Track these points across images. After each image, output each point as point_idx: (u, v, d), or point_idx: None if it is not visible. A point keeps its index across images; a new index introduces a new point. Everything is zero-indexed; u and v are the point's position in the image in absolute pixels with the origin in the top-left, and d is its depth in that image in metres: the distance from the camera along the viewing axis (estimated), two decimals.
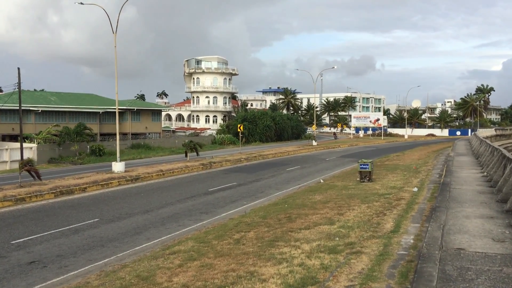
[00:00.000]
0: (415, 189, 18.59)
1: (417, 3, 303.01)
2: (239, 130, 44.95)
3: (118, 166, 26.90)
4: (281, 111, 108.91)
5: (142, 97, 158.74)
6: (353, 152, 51.60)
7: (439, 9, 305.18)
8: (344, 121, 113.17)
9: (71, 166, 38.76)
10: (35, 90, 61.78)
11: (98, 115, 59.03)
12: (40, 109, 52.62)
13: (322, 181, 26.19)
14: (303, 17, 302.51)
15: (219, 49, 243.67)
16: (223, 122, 76.38)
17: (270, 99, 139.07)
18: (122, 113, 61.81)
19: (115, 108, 61.70)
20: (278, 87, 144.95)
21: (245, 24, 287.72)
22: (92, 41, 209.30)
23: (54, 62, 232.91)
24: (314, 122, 67.93)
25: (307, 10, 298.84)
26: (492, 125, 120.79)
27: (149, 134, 65.80)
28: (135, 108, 61.21)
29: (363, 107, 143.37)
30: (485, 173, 16.93)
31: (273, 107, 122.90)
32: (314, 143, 59.94)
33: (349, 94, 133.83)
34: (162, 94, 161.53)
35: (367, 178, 22.01)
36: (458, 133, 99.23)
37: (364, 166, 21.85)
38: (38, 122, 53.03)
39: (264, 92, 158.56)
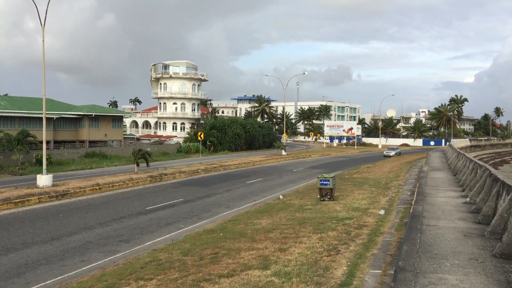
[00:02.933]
0: (382, 211, 15.51)
1: (393, 15, 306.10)
2: (199, 138, 41.48)
3: (43, 180, 23.06)
4: (255, 119, 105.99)
5: (114, 103, 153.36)
6: (323, 162, 48.75)
7: (415, 22, 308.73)
8: (319, 130, 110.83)
9: (8, 177, 34.55)
10: None
11: (52, 121, 54.57)
12: None
13: (281, 197, 23.07)
14: (282, 27, 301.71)
15: (197, 56, 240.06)
16: (191, 129, 72.68)
17: (245, 107, 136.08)
18: (79, 119, 57.67)
19: (71, 114, 57.83)
20: (253, 95, 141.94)
21: (224, 32, 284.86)
22: (69, 48, 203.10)
23: (30, 68, 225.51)
24: (284, 131, 64.95)
25: (285, 20, 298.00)
26: (465, 135, 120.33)
27: (110, 141, 61.60)
28: (93, 114, 57.00)
29: (338, 116, 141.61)
30: (468, 198, 13.32)
31: (248, 115, 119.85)
32: (284, 152, 56.88)
33: (324, 103, 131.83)
34: (136, 101, 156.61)
35: (328, 196, 18.87)
36: (432, 143, 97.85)
37: (324, 183, 18.70)
38: None
39: (239, 100, 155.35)
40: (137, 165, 30.56)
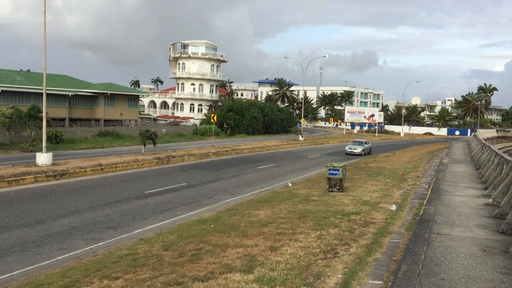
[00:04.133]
0: (393, 207, 14.05)
1: (423, 0, 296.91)
2: (212, 120, 40.29)
3: (42, 158, 22.27)
4: (276, 103, 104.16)
5: (136, 83, 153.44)
6: (341, 149, 46.97)
7: (445, 7, 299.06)
8: (340, 116, 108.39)
9: (18, 153, 34.14)
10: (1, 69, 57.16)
11: (67, 98, 54.20)
12: (0, 88, 47.79)
13: (290, 184, 21.79)
14: (308, 9, 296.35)
15: (221, 38, 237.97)
16: (209, 111, 71.59)
17: (267, 90, 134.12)
18: (95, 97, 57.11)
19: (86, 92, 57.26)
20: (275, 78, 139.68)
21: (249, 14, 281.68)
22: (96, 26, 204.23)
23: (57, 46, 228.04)
24: (302, 115, 63.22)
25: (312, 3, 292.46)
26: (492, 126, 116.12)
27: (125, 121, 61.04)
28: (109, 92, 56.31)
29: (361, 102, 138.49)
30: (491, 199, 11.35)
31: (268, 98, 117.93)
32: (301, 138, 55.33)
33: (347, 89, 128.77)
34: (157, 81, 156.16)
35: (337, 187, 17.47)
36: (457, 132, 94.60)
37: (333, 172, 17.28)
38: None
39: (261, 82, 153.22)
40: (144, 145, 29.59)
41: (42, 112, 41.58)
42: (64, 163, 23.75)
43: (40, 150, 36.21)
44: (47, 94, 52.31)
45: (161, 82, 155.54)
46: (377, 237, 10.55)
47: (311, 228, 11.33)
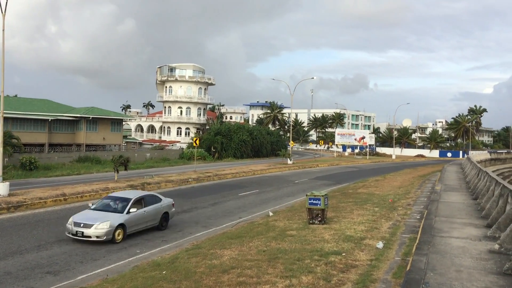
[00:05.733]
0: (380, 244, 12.20)
1: (413, 24, 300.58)
2: (194, 144, 38.47)
3: None
4: (267, 125, 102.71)
5: (128, 107, 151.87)
6: (330, 173, 45.35)
7: (435, 31, 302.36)
8: (331, 138, 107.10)
9: None
10: None
11: (47, 123, 52.24)
12: None
13: (271, 214, 20.02)
14: (300, 34, 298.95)
15: (214, 62, 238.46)
16: (196, 135, 69.86)
17: (258, 113, 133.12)
18: (77, 121, 55.24)
19: (67, 116, 55.37)
20: (266, 101, 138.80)
21: (242, 39, 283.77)
22: (90, 52, 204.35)
23: (51, 72, 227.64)
24: (290, 138, 61.64)
25: (304, 28, 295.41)
26: (484, 147, 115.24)
27: (109, 146, 59.03)
28: (91, 116, 54.45)
29: (352, 124, 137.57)
30: (497, 245, 8.94)
31: (260, 121, 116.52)
32: (289, 161, 53.56)
33: (338, 111, 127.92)
34: (149, 105, 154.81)
35: (319, 219, 15.61)
36: (449, 154, 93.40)
37: (314, 202, 15.44)
38: None
39: (252, 106, 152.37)
40: (117, 172, 27.63)
41: (14, 139, 39.89)
42: (24, 193, 21.70)
43: (10, 178, 34.15)
44: (25, 119, 50.76)
45: (153, 106, 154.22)
46: (358, 287, 8.67)
47: (280, 275, 9.43)
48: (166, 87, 76.70)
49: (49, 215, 18.95)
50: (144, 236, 16.06)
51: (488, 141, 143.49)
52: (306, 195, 15.90)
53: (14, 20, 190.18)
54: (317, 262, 10.50)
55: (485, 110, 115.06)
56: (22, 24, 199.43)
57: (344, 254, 11.27)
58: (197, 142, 37.92)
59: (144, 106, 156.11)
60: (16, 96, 75.78)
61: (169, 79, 75.39)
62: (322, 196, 15.44)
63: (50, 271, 11.87)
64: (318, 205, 15.43)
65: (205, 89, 77.74)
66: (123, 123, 76.50)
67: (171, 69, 76.25)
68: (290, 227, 15.38)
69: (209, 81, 77.54)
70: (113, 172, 30.86)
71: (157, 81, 78.44)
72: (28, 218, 18.24)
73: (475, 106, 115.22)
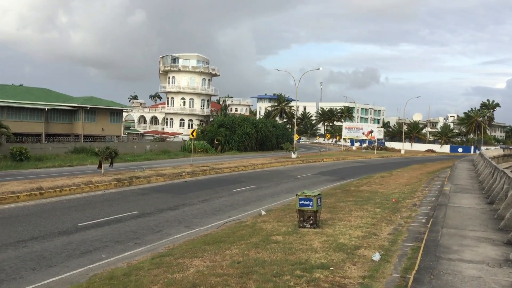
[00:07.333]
0: (377, 256, 10.36)
1: (426, 17, 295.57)
2: (191, 136, 36.78)
3: None
4: (274, 118, 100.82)
5: (135, 98, 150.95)
6: (335, 168, 43.46)
7: (448, 24, 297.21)
8: (339, 132, 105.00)
9: None
10: None
11: (44, 112, 50.86)
12: None
13: (263, 213, 18.33)
14: (311, 27, 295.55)
15: (223, 55, 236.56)
16: (199, 126, 68.15)
17: (265, 106, 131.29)
18: (75, 111, 53.83)
19: (65, 106, 53.94)
20: (274, 94, 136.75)
21: (252, 31, 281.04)
22: (100, 43, 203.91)
23: (61, 62, 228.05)
24: (294, 131, 59.71)
25: (315, 21, 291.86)
26: (496, 143, 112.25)
27: (108, 137, 57.58)
28: (89, 106, 52.98)
29: (361, 118, 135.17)
30: None
31: (267, 114, 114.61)
32: (293, 155, 51.71)
33: (347, 104, 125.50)
34: (156, 96, 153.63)
35: (311, 222, 13.80)
36: (460, 150, 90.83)
37: (305, 203, 13.62)
38: None
39: (259, 98, 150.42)
40: (100, 166, 26.00)
41: (3, 128, 38.52)
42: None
43: (0, 169, 32.62)
44: (21, 108, 49.40)
45: (160, 97, 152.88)
46: None
47: None
48: (169, 77, 75.05)
49: (18, 212, 17.35)
50: (116, 237, 14.38)
51: (500, 136, 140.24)
52: (297, 194, 14.08)
53: (27, 10, 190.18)
54: (297, 279, 8.71)
55: (498, 104, 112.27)
56: (34, 15, 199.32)
57: (332, 268, 9.46)
58: (194, 134, 36.25)
59: (151, 97, 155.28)
60: (21, 85, 74.62)
61: (172, 69, 73.70)
62: (315, 196, 13.61)
63: None
64: (310, 207, 13.61)
65: (209, 80, 75.93)
66: (126, 114, 75.14)
67: (174, 59, 74.50)
68: (277, 231, 13.59)
69: (213, 72, 75.71)
70: (107, 165, 29.32)
71: (160, 71, 76.81)
72: None
73: (488, 100, 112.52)
